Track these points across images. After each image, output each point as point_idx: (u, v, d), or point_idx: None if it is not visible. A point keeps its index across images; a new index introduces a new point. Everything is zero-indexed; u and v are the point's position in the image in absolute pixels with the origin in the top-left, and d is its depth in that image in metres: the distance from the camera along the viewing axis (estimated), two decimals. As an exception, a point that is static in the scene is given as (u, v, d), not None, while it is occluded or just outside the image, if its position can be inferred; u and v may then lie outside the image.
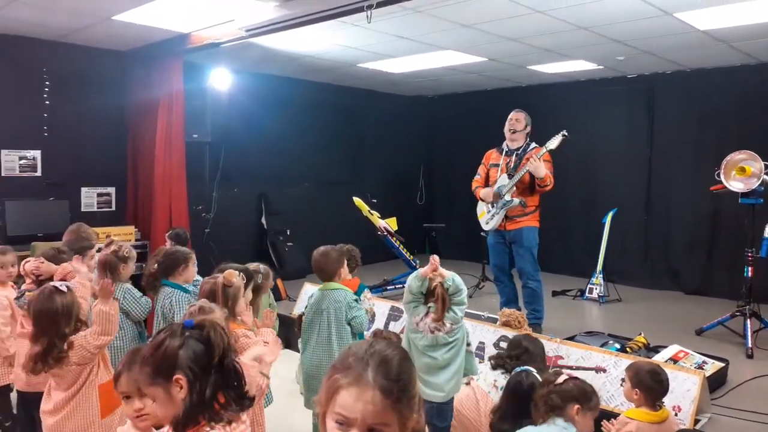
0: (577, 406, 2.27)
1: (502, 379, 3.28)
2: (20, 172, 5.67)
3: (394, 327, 4.85)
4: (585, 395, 2.30)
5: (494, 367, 3.37)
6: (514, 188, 5.03)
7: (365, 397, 1.14)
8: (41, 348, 2.51)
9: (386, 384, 1.15)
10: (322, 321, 3.31)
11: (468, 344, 3.21)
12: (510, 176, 5.08)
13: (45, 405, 2.65)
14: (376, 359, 1.19)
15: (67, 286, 2.65)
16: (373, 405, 1.14)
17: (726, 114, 6.76)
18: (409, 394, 1.19)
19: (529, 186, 5.05)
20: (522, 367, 3.01)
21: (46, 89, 5.81)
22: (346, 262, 3.57)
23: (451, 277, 2.98)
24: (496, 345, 4.20)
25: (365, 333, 3.65)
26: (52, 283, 2.62)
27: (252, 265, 3.67)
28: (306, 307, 3.54)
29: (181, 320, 3.35)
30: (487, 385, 3.38)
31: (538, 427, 2.35)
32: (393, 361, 1.20)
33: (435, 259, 3.02)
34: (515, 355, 3.29)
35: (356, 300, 3.38)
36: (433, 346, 3.01)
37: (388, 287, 6.47)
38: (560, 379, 2.34)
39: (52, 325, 2.53)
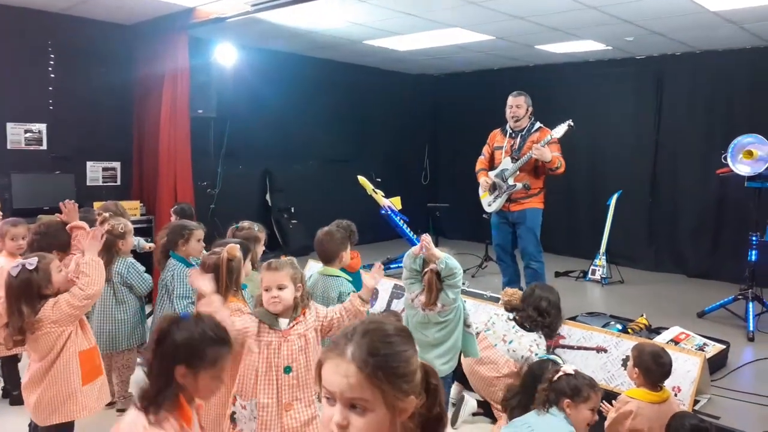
0: (567, 401, 2.43)
1: (517, 340, 3.36)
2: (26, 145, 5.67)
3: (397, 305, 4.87)
4: (575, 390, 2.44)
5: (518, 324, 3.47)
6: (518, 172, 5.00)
7: (341, 369, 1.13)
8: (3, 323, 2.50)
9: (362, 357, 1.13)
10: None
11: (468, 326, 3.19)
12: (514, 159, 5.05)
13: (24, 378, 2.62)
14: (359, 333, 1.17)
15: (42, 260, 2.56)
16: (347, 378, 1.12)
17: (734, 97, 6.70)
18: (394, 371, 1.14)
19: (533, 168, 5.02)
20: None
21: (51, 62, 5.78)
22: (349, 246, 3.41)
23: (443, 259, 2.95)
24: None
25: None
26: (18, 260, 2.57)
27: (245, 223, 3.69)
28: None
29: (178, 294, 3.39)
30: (496, 338, 3.45)
31: (537, 417, 2.47)
32: (375, 335, 1.17)
33: (424, 238, 3.00)
34: (539, 311, 3.42)
35: (353, 292, 3.19)
36: (425, 324, 3.04)
37: (392, 266, 6.50)
38: (556, 376, 2.49)
39: (11, 302, 2.48)
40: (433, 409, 1.23)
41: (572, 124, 4.92)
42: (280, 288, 2.34)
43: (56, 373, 2.56)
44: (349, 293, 3.11)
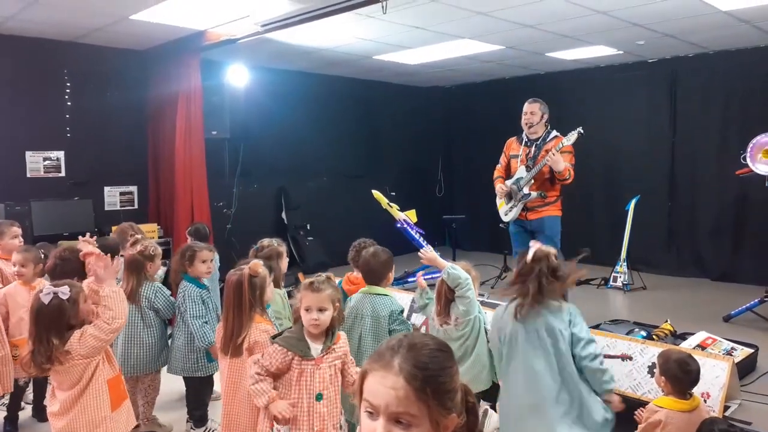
0: None
1: None
2: (45, 172, 5.76)
3: (416, 319, 4.83)
4: None
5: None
6: (533, 181, 4.96)
7: (388, 381, 1.10)
8: (30, 349, 2.44)
9: (411, 370, 1.10)
10: (364, 328, 3.01)
11: (489, 341, 3.14)
12: (528, 168, 5.01)
13: (51, 407, 2.58)
14: (406, 346, 1.15)
15: (70, 289, 2.49)
16: (395, 390, 1.09)
17: (751, 96, 6.61)
18: (441, 387, 1.13)
19: (549, 177, 4.98)
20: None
21: (68, 90, 5.89)
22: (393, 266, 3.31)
23: (447, 268, 2.88)
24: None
25: None
26: (48, 287, 2.48)
27: (265, 241, 3.68)
28: (345, 311, 3.24)
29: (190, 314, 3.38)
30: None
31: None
32: (423, 349, 1.15)
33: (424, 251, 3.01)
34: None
35: (401, 311, 3.09)
36: (446, 341, 2.97)
37: (409, 279, 6.47)
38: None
39: (39, 329, 2.41)
40: (475, 430, 1.22)
41: (582, 131, 4.87)
42: (320, 310, 2.33)
43: (87, 401, 2.52)
44: (400, 311, 3.07)
